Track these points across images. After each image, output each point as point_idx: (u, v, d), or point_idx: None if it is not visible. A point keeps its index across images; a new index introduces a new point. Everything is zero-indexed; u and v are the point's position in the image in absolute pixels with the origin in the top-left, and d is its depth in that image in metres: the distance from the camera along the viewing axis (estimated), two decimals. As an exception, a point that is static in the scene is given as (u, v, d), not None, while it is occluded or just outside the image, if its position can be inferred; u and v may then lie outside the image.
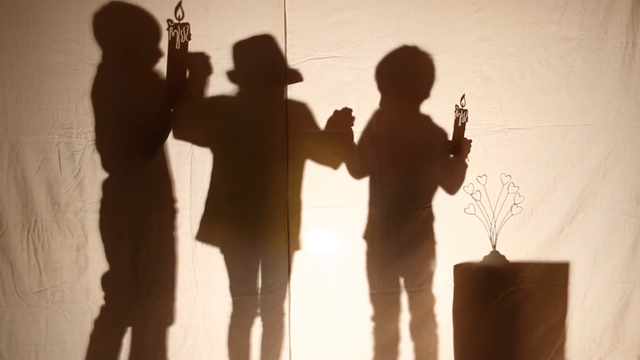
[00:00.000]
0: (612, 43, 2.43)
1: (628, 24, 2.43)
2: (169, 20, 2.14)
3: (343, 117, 2.36)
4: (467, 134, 2.42)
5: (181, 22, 2.12)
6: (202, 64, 2.26)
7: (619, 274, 2.51)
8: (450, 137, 2.43)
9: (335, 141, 2.37)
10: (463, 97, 2.39)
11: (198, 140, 2.29)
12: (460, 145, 2.41)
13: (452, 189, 2.45)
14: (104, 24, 2.20)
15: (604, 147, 2.47)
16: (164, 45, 2.19)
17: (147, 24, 2.21)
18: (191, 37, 2.13)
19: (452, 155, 2.44)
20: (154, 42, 2.21)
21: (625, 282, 2.51)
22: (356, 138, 2.39)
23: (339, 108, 2.36)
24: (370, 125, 2.40)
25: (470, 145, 2.42)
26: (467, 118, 2.39)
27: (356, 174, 2.40)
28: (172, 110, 2.20)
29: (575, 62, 2.44)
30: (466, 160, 2.43)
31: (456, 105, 2.40)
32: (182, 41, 2.12)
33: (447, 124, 2.44)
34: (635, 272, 2.51)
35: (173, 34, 2.12)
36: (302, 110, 2.35)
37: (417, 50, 2.38)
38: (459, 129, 2.39)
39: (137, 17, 2.21)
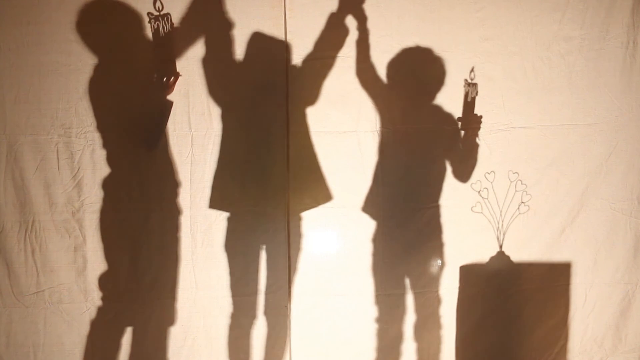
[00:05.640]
0: (613, 42, 2.42)
1: (629, 23, 2.42)
2: (149, 14, 2.16)
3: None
4: (472, 133, 2.42)
5: (161, 13, 2.16)
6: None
7: (620, 274, 2.51)
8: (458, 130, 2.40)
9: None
10: (472, 70, 2.35)
11: None
12: (470, 121, 2.36)
13: (464, 175, 2.39)
14: (92, 22, 2.19)
15: (605, 147, 2.46)
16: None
17: (130, 17, 2.21)
18: (174, 25, 2.16)
19: (462, 133, 2.38)
20: (141, 35, 2.21)
21: (627, 282, 2.51)
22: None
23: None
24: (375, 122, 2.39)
25: (481, 122, 2.36)
26: (477, 92, 2.34)
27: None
28: (168, 97, 2.21)
29: (577, 61, 2.43)
30: (477, 139, 2.38)
31: (465, 79, 2.37)
32: (166, 31, 2.15)
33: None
34: (637, 273, 2.51)
35: (155, 26, 2.15)
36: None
37: (421, 49, 2.37)
38: (469, 103, 2.34)
39: (121, 12, 2.20)
